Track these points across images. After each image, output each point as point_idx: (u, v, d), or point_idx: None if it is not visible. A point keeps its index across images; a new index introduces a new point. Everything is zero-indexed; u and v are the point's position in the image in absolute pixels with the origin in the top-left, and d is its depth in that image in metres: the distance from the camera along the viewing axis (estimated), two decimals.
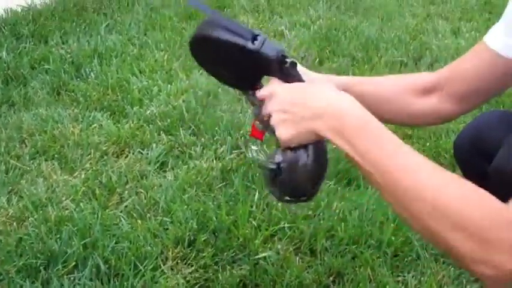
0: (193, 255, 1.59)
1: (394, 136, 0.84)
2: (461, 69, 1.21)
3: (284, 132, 0.92)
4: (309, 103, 0.90)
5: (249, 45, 0.92)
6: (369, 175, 0.84)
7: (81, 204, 1.77)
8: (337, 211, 1.74)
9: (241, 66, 0.97)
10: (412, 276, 1.54)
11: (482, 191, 0.77)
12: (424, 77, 1.26)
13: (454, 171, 1.92)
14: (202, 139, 2.16)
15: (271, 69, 0.94)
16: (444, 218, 0.76)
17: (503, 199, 0.78)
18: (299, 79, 0.96)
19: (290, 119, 0.91)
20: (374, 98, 1.18)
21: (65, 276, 1.50)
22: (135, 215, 1.75)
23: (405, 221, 0.83)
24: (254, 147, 1.07)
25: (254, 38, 0.92)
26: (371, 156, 0.82)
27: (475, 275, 0.88)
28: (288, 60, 0.94)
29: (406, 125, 1.36)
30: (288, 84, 0.95)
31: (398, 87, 1.24)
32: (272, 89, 0.96)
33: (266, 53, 0.92)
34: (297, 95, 0.93)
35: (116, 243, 1.60)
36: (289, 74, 0.94)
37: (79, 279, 1.50)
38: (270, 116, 0.95)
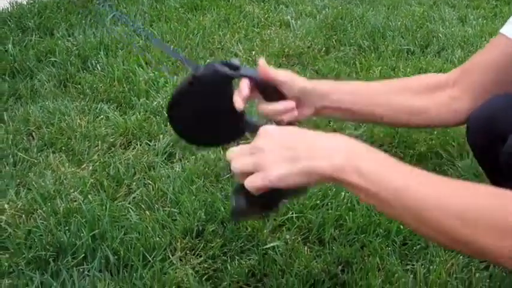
0: (202, 245, 1.60)
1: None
2: (478, 60, 1.21)
3: (276, 169, 0.86)
4: (311, 145, 0.86)
5: (196, 73, 1.01)
6: (384, 203, 0.82)
7: (90, 196, 1.78)
8: (345, 200, 1.74)
9: (210, 99, 1.05)
10: (421, 265, 1.54)
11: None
12: (430, 77, 1.28)
13: (461, 159, 1.92)
14: None
15: (226, 79, 1.01)
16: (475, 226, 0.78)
17: None
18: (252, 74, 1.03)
19: (287, 158, 0.86)
20: (358, 104, 1.19)
21: (74, 268, 1.51)
22: (143, 206, 1.75)
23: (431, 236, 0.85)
24: None
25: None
26: (393, 185, 0.81)
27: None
28: (231, 61, 1.02)
29: (416, 126, 1.35)
30: (283, 127, 0.94)
31: (388, 88, 1.25)
32: (266, 128, 0.92)
33: (211, 69, 1.00)
34: (296, 136, 0.89)
35: (124, 234, 1.60)
36: (239, 69, 1.01)
37: (88, 271, 1.50)
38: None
